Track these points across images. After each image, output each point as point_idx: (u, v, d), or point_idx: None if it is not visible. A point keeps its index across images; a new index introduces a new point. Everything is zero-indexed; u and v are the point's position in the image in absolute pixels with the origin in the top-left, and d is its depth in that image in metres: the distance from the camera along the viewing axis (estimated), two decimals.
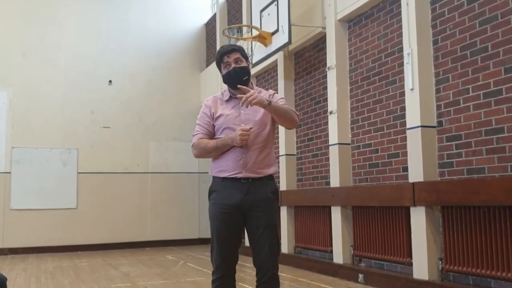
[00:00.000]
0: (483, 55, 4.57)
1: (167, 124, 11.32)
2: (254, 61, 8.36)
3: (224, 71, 2.97)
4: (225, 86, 3.06)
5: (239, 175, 2.86)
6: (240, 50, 3.00)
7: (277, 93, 3.13)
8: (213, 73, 11.01)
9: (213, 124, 2.97)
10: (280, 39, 7.09)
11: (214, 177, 2.97)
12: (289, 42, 6.90)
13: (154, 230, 10.90)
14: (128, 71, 11.12)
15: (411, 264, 5.14)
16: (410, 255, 5.19)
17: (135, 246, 10.57)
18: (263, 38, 7.43)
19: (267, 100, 2.77)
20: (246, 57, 3.03)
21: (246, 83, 2.94)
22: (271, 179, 2.98)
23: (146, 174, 11.04)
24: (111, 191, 10.67)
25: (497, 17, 4.44)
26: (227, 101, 3.00)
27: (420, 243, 4.96)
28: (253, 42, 7.88)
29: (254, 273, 2.90)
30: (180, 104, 11.52)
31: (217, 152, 2.91)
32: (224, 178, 2.89)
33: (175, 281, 6.24)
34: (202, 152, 2.95)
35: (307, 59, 7.64)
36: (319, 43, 7.22)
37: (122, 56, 11.10)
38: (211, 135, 2.97)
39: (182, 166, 11.30)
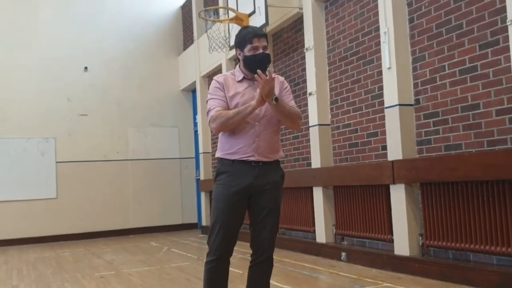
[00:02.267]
0: (458, 32, 4.60)
1: (146, 110, 11.20)
2: (231, 43, 8.29)
3: (250, 53, 2.90)
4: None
5: (250, 158, 2.87)
6: (267, 37, 2.99)
7: (287, 85, 3.10)
8: (191, 57, 10.91)
9: (226, 100, 2.90)
10: (257, 21, 7.03)
11: (222, 159, 2.94)
12: (266, 23, 6.84)
13: (137, 217, 10.86)
14: (104, 56, 10.94)
15: (392, 241, 5.23)
16: (391, 232, 5.27)
17: (119, 234, 10.53)
18: (240, 20, 7.36)
19: (275, 97, 2.76)
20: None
21: (265, 70, 2.90)
22: (279, 164, 3.02)
23: (126, 161, 10.95)
24: (91, 180, 10.57)
25: None
26: (239, 81, 2.97)
27: (401, 220, 5.04)
28: (230, 24, 7.80)
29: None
30: (158, 89, 11.40)
31: (239, 118, 2.79)
32: (234, 160, 2.88)
33: (160, 267, 6.25)
34: (223, 122, 2.82)
35: (285, 40, 7.60)
36: (297, 24, 7.19)
37: (98, 41, 10.90)
38: (227, 109, 2.89)
39: (162, 152, 11.23)
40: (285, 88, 3.02)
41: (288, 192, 7.34)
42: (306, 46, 6.69)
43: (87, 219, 10.39)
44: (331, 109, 6.49)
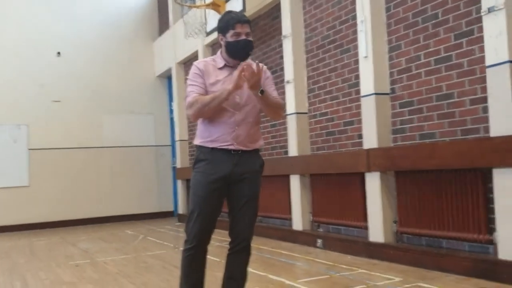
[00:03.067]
0: (434, 21, 4.65)
1: (121, 97, 11.04)
2: (208, 29, 8.22)
3: (232, 39, 2.86)
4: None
5: (230, 147, 2.84)
6: (250, 24, 2.95)
7: (269, 73, 3.07)
8: (167, 43, 10.77)
9: (206, 88, 2.86)
10: (234, 7, 6.97)
11: (201, 146, 2.91)
12: (244, 9, 6.80)
13: (112, 205, 10.75)
14: (78, 42, 10.71)
15: (367, 228, 5.30)
16: (366, 219, 5.34)
17: (94, 222, 10.43)
18: (217, 6, 7.30)
19: (261, 90, 2.73)
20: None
21: (248, 57, 2.90)
22: (258, 152, 3.01)
23: (100, 148, 10.80)
24: (65, 167, 10.41)
25: None
26: (220, 68, 2.92)
27: (376, 207, 5.12)
28: (207, 10, 7.72)
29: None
30: (134, 75, 11.24)
31: (215, 103, 2.75)
32: (213, 148, 2.86)
33: (135, 255, 6.21)
34: (200, 108, 2.77)
35: (262, 27, 7.56)
36: (274, 11, 7.15)
37: (72, 26, 10.67)
38: (206, 95, 2.85)
39: (138, 140, 11.11)
40: (268, 77, 2.99)
41: (265, 180, 7.28)
42: (283, 33, 6.67)
43: (61, 207, 10.24)
44: (309, 98, 6.50)
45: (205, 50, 8.96)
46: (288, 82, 6.60)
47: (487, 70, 3.98)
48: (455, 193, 4.37)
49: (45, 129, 10.30)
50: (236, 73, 2.71)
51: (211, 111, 2.79)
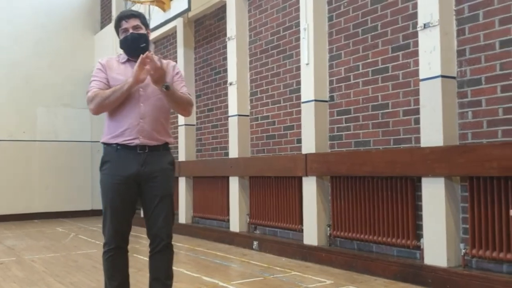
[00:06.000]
0: (373, 33, 4.81)
1: (57, 89, 10.62)
2: (152, 26, 8.08)
3: (122, 36, 2.90)
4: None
5: (135, 142, 2.79)
6: (140, 16, 2.94)
7: (179, 69, 3.05)
8: (108, 37, 10.47)
9: (108, 83, 2.82)
10: (179, 5, 6.91)
11: (107, 146, 2.86)
12: (189, 8, 6.76)
13: (42, 201, 10.31)
14: (13, 29, 10.20)
15: (302, 231, 5.40)
16: (301, 222, 5.45)
17: (22, 218, 9.94)
18: (162, 3, 7.20)
19: (166, 85, 2.71)
20: (146, 25, 2.98)
21: (144, 50, 2.85)
22: (168, 150, 2.96)
23: (33, 142, 10.33)
24: None
25: None
26: (124, 63, 2.90)
27: (311, 211, 5.23)
28: (151, 6, 7.60)
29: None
30: (72, 67, 10.84)
31: (115, 97, 2.72)
32: (118, 147, 2.80)
33: (66, 254, 6.00)
34: (100, 102, 2.75)
35: (207, 27, 7.54)
36: (220, 12, 7.15)
37: (7, 12, 10.14)
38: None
39: (73, 134, 10.73)
40: (177, 73, 2.98)
41: (204, 181, 7.33)
42: (228, 35, 6.68)
43: None
44: (251, 100, 6.54)
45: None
46: (231, 84, 6.62)
47: (421, 83, 4.17)
48: (386, 200, 4.55)
49: None
50: (136, 66, 2.70)
51: (112, 105, 2.76)
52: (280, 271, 4.76)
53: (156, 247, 2.86)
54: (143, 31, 2.90)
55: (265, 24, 6.30)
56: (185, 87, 2.98)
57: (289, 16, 5.89)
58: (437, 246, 3.99)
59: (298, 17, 5.60)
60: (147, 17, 7.80)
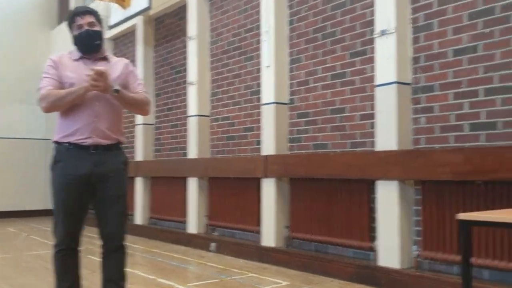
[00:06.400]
0: (332, 39, 4.89)
1: (11, 84, 10.25)
2: (111, 23, 7.96)
3: (76, 33, 2.85)
4: None
5: (88, 141, 2.74)
6: (95, 13, 2.91)
7: (133, 67, 3.02)
8: (66, 33, 10.21)
9: (60, 79, 2.78)
10: (139, 3, 6.82)
11: (58, 145, 2.80)
12: (149, 7, 6.67)
13: None
14: None
15: (260, 232, 5.43)
16: (260, 223, 5.47)
17: None
18: (121, 0, 7.08)
19: (115, 89, 2.69)
20: (100, 22, 2.94)
21: (98, 48, 2.86)
22: (121, 149, 2.92)
23: None
24: None
25: (345, 3, 4.77)
26: (76, 60, 2.85)
27: (269, 213, 5.26)
28: (110, 3, 7.46)
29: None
30: (27, 63, 10.48)
31: (71, 98, 2.69)
32: (70, 146, 2.75)
33: (17, 254, 5.81)
34: (54, 101, 2.70)
35: (168, 26, 7.47)
36: (181, 11, 7.09)
37: None
38: (59, 88, 2.76)
39: (27, 132, 10.39)
40: (131, 72, 2.95)
41: (162, 182, 7.25)
42: (189, 35, 6.64)
43: None
44: (211, 101, 6.52)
45: (107, 44, 8.63)
46: (191, 83, 6.58)
47: (376, 89, 4.27)
48: (343, 202, 4.63)
49: None
50: (88, 78, 2.65)
51: (65, 105, 2.73)
52: (237, 273, 4.76)
53: (109, 248, 2.83)
54: (98, 28, 2.86)
55: (226, 25, 6.30)
56: (141, 85, 2.96)
57: (250, 18, 5.91)
58: (390, 248, 4.09)
59: (259, 19, 5.62)
60: (105, 14, 7.68)
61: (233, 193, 5.95)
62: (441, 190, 3.86)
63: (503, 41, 3.59)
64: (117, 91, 2.70)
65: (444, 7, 3.98)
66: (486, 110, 3.68)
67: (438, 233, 3.87)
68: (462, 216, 2.18)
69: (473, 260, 3.56)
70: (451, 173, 3.69)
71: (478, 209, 3.53)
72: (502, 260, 3.46)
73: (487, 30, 3.69)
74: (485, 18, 3.70)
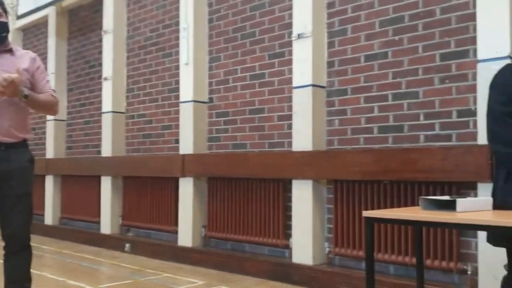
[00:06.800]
0: (251, 39, 4.94)
1: None
2: (20, 12, 7.50)
3: None
4: None
5: None
6: (1, 3, 2.73)
7: (40, 63, 2.85)
8: None
9: None
10: None
11: None
12: None
13: None
14: None
15: (177, 232, 5.36)
16: (177, 223, 5.40)
17: None
18: None
19: (24, 95, 2.55)
20: (6, 11, 2.75)
21: (4, 40, 2.69)
22: (26, 147, 2.78)
23: None
24: None
25: (264, 5, 4.83)
26: None
27: (187, 212, 5.21)
28: None
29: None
30: None
31: None
32: None
33: None
34: None
35: (82, 18, 7.15)
36: (96, 3, 6.81)
37: None
38: None
39: None
40: (38, 67, 2.81)
41: (74, 180, 6.95)
42: (104, 28, 6.40)
43: None
44: (127, 97, 6.34)
45: (15, 34, 8.11)
46: (106, 79, 6.35)
47: (294, 90, 4.37)
48: (260, 201, 4.69)
49: None
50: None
51: None
52: (151, 273, 4.67)
53: (12, 248, 2.68)
54: (3, 19, 2.69)
55: (144, 20, 6.15)
56: (48, 83, 2.83)
57: (169, 14, 5.81)
58: (304, 245, 4.21)
59: (178, 16, 5.54)
60: (13, 2, 7.22)
61: (149, 193, 5.83)
62: (351, 189, 4.03)
63: (411, 49, 3.82)
64: (26, 96, 2.57)
65: (357, 13, 4.15)
66: (393, 114, 3.89)
67: (348, 231, 4.04)
68: (367, 213, 2.29)
69: (380, 256, 3.76)
70: (360, 173, 3.86)
71: (385, 207, 3.73)
72: (406, 256, 3.68)
73: (397, 37, 3.90)
74: (395, 26, 3.91)
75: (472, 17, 3.46)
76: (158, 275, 4.62)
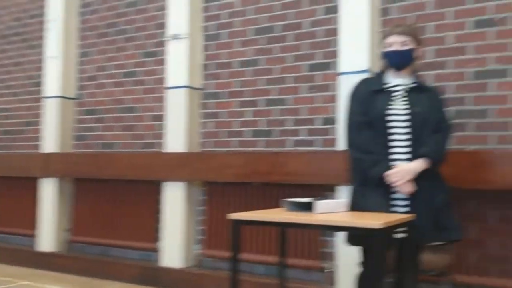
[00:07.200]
0: (124, 36, 4.78)
1: None
2: None
3: None
4: None
5: None
6: None
7: None
8: None
9: None
10: None
11: None
12: None
13: None
14: None
15: (37, 236, 5.00)
16: (36, 227, 5.03)
17: None
18: None
19: None
20: None
21: None
22: None
23: None
24: None
25: (137, 3, 4.72)
26: None
27: (48, 215, 4.89)
28: None
29: None
30: None
31: None
32: None
33: None
34: None
35: None
36: None
37: None
38: None
39: None
40: None
41: None
42: None
43: None
44: None
45: None
46: None
47: (168, 91, 4.32)
48: (129, 203, 4.56)
49: None
50: None
51: None
52: (7, 282, 4.30)
53: None
54: None
55: (6, 8, 5.65)
56: None
57: (35, 3, 5.39)
58: (173, 247, 4.18)
59: (44, 6, 5.17)
60: None
61: (4, 194, 5.36)
62: (224, 191, 4.10)
63: (282, 58, 3.99)
64: None
65: (232, 19, 4.23)
66: (265, 119, 4.04)
67: (219, 232, 4.10)
68: (232, 216, 2.37)
69: (250, 256, 3.87)
70: (233, 175, 3.94)
71: (257, 208, 3.83)
72: (273, 255, 3.83)
73: (269, 46, 4.05)
74: (268, 35, 4.07)
75: (335, 32, 3.72)
76: (14, 283, 4.27)
